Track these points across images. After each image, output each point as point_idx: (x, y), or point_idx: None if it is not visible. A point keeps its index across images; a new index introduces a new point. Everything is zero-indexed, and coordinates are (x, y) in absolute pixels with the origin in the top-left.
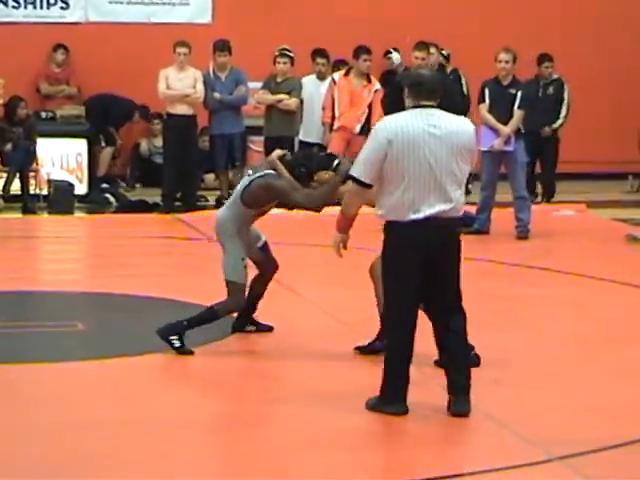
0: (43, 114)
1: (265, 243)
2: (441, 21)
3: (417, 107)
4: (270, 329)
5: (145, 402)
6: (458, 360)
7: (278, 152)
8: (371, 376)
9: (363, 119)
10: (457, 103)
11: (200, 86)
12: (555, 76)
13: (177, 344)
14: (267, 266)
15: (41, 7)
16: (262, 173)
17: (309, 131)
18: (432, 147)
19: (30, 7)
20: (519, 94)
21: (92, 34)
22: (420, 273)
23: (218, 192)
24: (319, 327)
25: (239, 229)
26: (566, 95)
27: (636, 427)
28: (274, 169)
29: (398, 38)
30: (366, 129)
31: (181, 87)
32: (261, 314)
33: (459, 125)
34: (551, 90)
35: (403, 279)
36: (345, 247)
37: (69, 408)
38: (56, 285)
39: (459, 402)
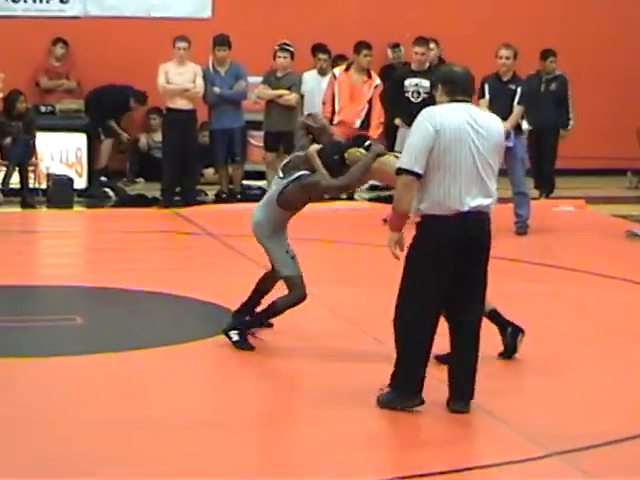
0: (42, 108)
1: None
2: (441, 16)
3: (453, 102)
4: (270, 325)
5: (144, 398)
6: (468, 361)
7: (316, 146)
8: (374, 372)
9: (363, 114)
10: None
11: (200, 81)
12: (557, 72)
13: (235, 337)
14: None
15: (41, 1)
16: (296, 176)
17: None
18: (475, 140)
19: (30, 1)
20: (519, 90)
21: (92, 28)
22: (453, 268)
23: (217, 187)
24: (320, 323)
25: (275, 230)
26: (570, 93)
27: (635, 423)
28: (310, 164)
29: (398, 33)
30: (366, 124)
31: (181, 82)
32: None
33: (494, 121)
34: (553, 86)
35: (434, 275)
36: (402, 248)
37: (66, 403)
38: (55, 279)
39: (461, 402)
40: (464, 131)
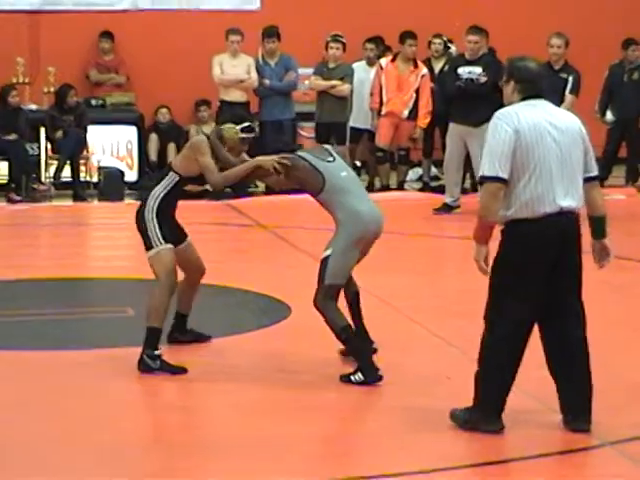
0: (93, 101)
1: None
2: (489, 4)
3: (527, 99)
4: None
5: (194, 389)
6: (578, 374)
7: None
8: (423, 364)
9: (411, 104)
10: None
11: (254, 72)
12: None
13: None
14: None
15: None
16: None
17: (358, 117)
18: (556, 136)
19: None
20: (570, 79)
21: (141, 21)
22: (547, 276)
23: None
24: (371, 312)
25: None
26: None
27: None
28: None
29: (445, 23)
30: (414, 114)
31: (234, 73)
32: (311, 301)
33: (571, 116)
34: (636, 75)
35: (526, 284)
36: (486, 262)
37: (119, 393)
38: (106, 271)
39: (580, 420)
40: (544, 129)
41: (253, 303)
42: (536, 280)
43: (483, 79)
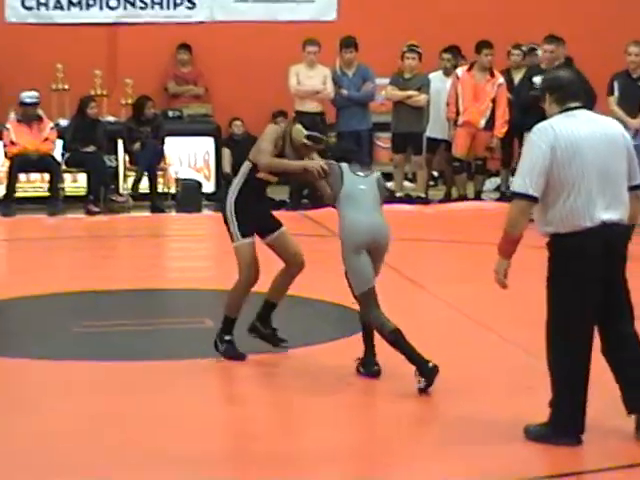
0: (170, 113)
1: None
2: (567, 14)
3: (565, 110)
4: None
5: (273, 399)
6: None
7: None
8: (500, 373)
9: (487, 113)
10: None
11: (330, 83)
12: None
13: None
14: None
15: (168, 7)
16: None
17: (435, 127)
18: (596, 148)
19: (157, 7)
20: None
21: (218, 33)
22: (599, 285)
23: None
24: (446, 322)
25: None
26: None
27: None
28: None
29: (523, 33)
30: (491, 124)
31: (311, 84)
32: (387, 310)
33: (612, 123)
34: None
35: (580, 297)
36: (505, 275)
37: (196, 404)
38: (184, 282)
39: None
40: (583, 142)
41: (329, 314)
42: (587, 290)
43: None
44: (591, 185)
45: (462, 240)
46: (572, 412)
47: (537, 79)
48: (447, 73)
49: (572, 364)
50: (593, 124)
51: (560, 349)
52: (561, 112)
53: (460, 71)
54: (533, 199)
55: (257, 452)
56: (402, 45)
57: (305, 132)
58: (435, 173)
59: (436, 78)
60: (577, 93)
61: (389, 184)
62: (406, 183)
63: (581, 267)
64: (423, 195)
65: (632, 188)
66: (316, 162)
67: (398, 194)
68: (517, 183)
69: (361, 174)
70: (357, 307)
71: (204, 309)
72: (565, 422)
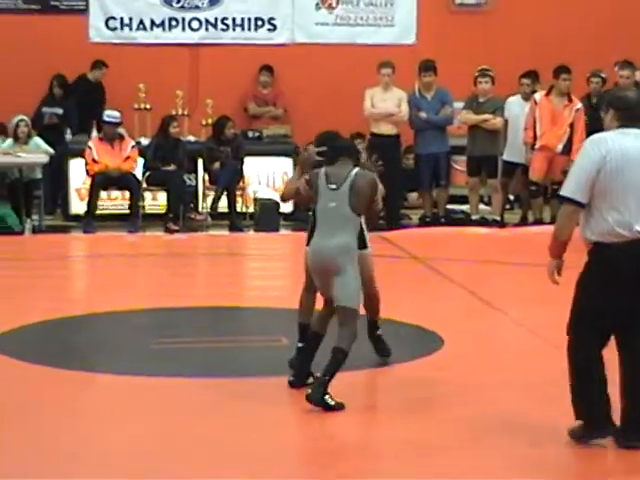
0: (250, 133)
1: None
2: None
3: (622, 127)
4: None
5: (345, 419)
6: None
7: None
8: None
9: (565, 138)
10: None
11: (405, 106)
12: None
13: (331, 402)
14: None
15: (249, 29)
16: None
17: (513, 151)
18: None
19: (238, 29)
20: None
21: (298, 55)
22: (625, 295)
23: (421, 210)
24: (523, 345)
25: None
26: None
27: None
28: None
29: (601, 58)
30: (568, 148)
31: (384, 107)
32: (463, 332)
33: None
34: None
35: (605, 301)
36: (559, 273)
37: (274, 422)
38: (261, 301)
39: (635, 436)
40: (632, 156)
41: (405, 334)
42: (616, 300)
43: None
44: (635, 199)
45: (538, 263)
46: (595, 408)
47: None
48: (526, 98)
49: (589, 364)
50: None
51: (579, 349)
52: (618, 128)
53: (538, 96)
54: (580, 204)
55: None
56: (476, 69)
57: (316, 149)
58: (511, 197)
59: (515, 102)
60: (638, 115)
61: (464, 207)
62: (482, 206)
63: (616, 276)
64: (499, 218)
65: None
66: (300, 180)
67: (474, 217)
68: (566, 187)
69: (333, 186)
70: (431, 328)
71: (280, 327)
72: (593, 418)
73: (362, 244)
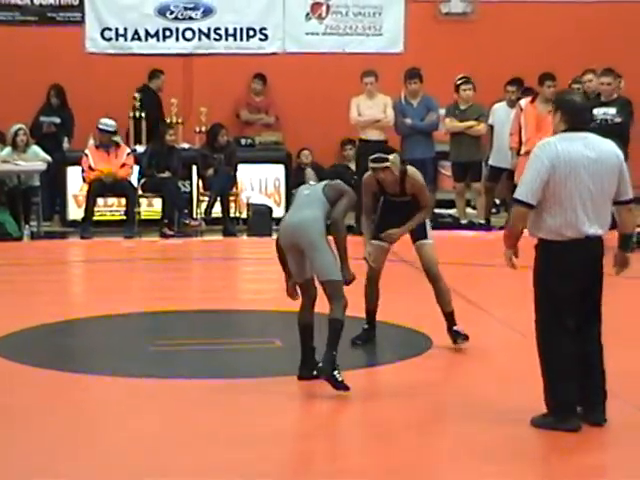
0: (243, 140)
1: None
2: (630, 48)
3: (570, 130)
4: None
5: (338, 418)
6: (595, 368)
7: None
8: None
9: None
10: None
11: (390, 111)
12: None
13: (340, 378)
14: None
15: (241, 39)
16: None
17: (499, 156)
18: (591, 170)
19: (231, 39)
20: None
21: (289, 64)
22: (574, 287)
23: None
24: (509, 344)
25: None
26: None
27: None
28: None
29: (584, 65)
30: None
31: (371, 114)
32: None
33: (609, 145)
34: None
35: (560, 298)
36: (516, 256)
37: (271, 419)
38: (255, 304)
39: (597, 412)
40: (579, 161)
41: (394, 335)
42: (568, 293)
43: (618, 119)
44: (580, 203)
45: (523, 265)
46: (567, 397)
47: (597, 111)
48: (511, 104)
49: (557, 354)
50: (590, 146)
51: (545, 339)
52: (564, 131)
53: (523, 102)
54: (530, 206)
55: (319, 470)
56: (456, 77)
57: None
58: (497, 201)
59: (500, 109)
60: (585, 118)
61: (452, 211)
62: (469, 210)
63: (562, 270)
64: (484, 221)
65: (623, 203)
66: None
67: (463, 221)
68: (519, 191)
69: (313, 183)
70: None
71: (274, 330)
72: (563, 408)
73: (423, 234)
